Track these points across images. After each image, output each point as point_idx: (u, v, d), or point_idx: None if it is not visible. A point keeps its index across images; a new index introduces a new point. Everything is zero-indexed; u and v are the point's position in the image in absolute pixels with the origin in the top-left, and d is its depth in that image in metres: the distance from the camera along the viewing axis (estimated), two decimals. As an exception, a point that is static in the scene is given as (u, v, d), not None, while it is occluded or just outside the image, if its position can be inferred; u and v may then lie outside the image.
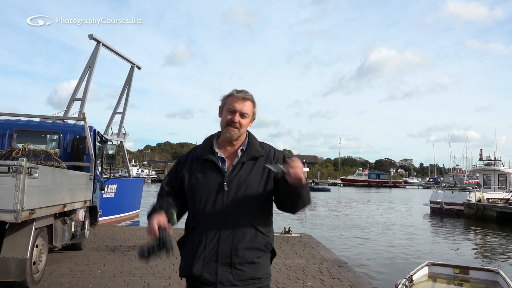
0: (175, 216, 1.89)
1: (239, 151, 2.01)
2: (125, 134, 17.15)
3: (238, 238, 1.88)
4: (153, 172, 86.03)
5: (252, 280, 1.90)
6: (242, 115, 1.97)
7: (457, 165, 57.89)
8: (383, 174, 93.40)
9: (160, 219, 1.81)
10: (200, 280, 1.88)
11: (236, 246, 1.88)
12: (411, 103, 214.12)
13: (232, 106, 1.97)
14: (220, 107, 2.05)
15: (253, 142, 2.05)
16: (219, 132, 2.07)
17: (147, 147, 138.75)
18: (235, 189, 1.91)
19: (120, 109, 16.93)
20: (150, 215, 1.88)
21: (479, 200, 22.33)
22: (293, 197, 1.89)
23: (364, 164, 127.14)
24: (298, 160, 1.80)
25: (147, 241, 1.77)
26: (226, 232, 1.88)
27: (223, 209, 1.89)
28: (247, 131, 2.08)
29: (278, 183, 1.90)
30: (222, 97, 2.05)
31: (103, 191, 9.53)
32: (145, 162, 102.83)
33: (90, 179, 7.43)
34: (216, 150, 2.01)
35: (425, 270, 5.73)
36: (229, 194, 1.90)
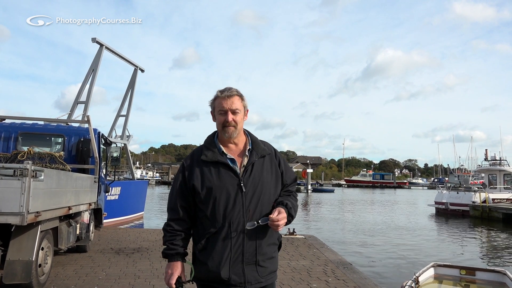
0: (193, 274, 1.99)
1: (246, 151, 2.04)
2: (129, 136, 17.20)
3: (260, 237, 1.95)
4: (157, 174, 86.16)
5: (271, 274, 2.02)
6: (234, 112, 2.00)
7: (462, 165, 57.35)
8: (387, 174, 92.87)
9: (180, 272, 1.95)
10: (227, 283, 1.91)
11: (259, 244, 1.95)
12: (416, 104, 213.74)
13: (220, 107, 2.00)
14: (211, 112, 2.09)
15: (256, 141, 2.11)
16: (217, 132, 2.09)
17: (151, 149, 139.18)
18: (252, 189, 1.96)
19: (124, 112, 17.00)
20: (171, 257, 1.97)
21: (484, 201, 22.16)
22: None
23: (368, 165, 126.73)
24: (281, 216, 1.91)
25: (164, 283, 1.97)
26: (250, 232, 1.92)
27: (244, 210, 1.93)
28: (246, 130, 2.13)
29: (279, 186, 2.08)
30: (209, 102, 2.09)
31: (107, 193, 9.56)
32: (149, 164, 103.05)
33: (95, 182, 7.45)
34: (225, 151, 2.03)
35: (431, 271, 5.69)
36: (247, 195, 1.94)
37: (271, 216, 1.90)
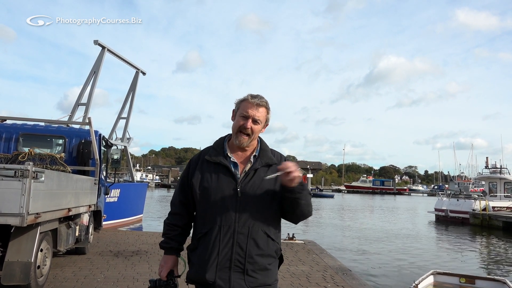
0: (185, 269, 2.02)
1: (251, 157, 2.01)
2: (129, 139, 17.20)
3: (251, 245, 1.89)
4: (157, 177, 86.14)
5: (263, 287, 1.92)
6: (255, 121, 1.98)
7: (462, 172, 57.38)
8: (387, 181, 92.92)
9: (173, 266, 2.04)
10: (212, 287, 1.87)
11: (249, 253, 1.88)
12: (418, 111, 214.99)
13: (245, 111, 1.97)
14: (233, 110, 2.06)
15: (265, 148, 2.07)
16: (230, 135, 2.08)
17: (151, 151, 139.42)
18: (249, 195, 1.90)
19: (124, 114, 17.01)
20: (166, 250, 2.06)
21: (485, 209, 22.11)
22: (292, 205, 1.92)
23: (368, 170, 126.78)
24: (288, 162, 1.84)
25: (157, 276, 2.07)
26: (240, 239, 1.88)
27: (237, 215, 1.88)
28: (259, 137, 2.09)
29: (280, 192, 1.94)
30: (236, 101, 2.06)
31: (107, 196, 9.55)
32: (149, 167, 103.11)
33: (95, 184, 7.45)
34: (229, 154, 2.00)
35: (430, 279, 5.68)
36: (242, 200, 1.90)
37: (279, 167, 1.83)
